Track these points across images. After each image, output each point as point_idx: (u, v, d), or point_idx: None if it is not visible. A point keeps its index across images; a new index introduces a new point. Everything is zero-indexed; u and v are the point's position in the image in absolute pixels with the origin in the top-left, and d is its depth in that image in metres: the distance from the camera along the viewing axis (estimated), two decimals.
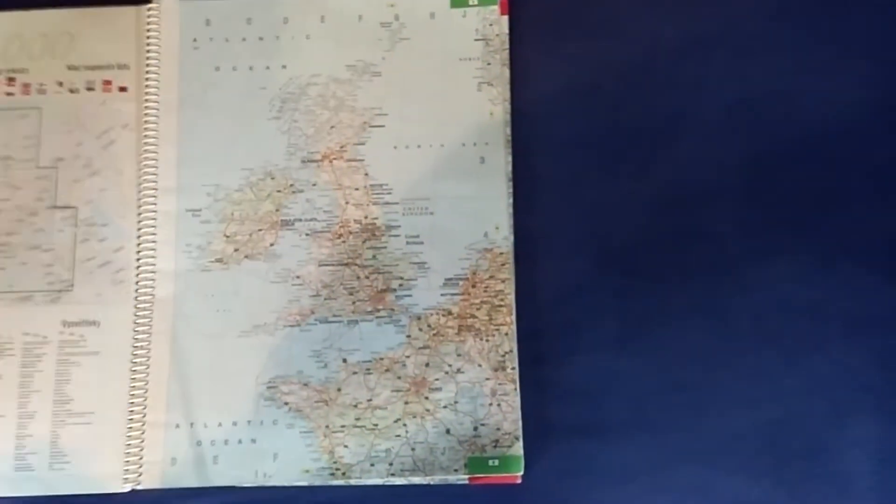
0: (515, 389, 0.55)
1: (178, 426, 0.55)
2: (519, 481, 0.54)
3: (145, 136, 0.58)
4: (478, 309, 0.56)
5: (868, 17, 0.60)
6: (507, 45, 0.60)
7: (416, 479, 0.54)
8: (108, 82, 0.59)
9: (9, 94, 0.59)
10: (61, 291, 0.57)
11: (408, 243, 0.57)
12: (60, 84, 0.59)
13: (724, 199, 0.58)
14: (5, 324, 0.57)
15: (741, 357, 0.56)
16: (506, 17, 0.60)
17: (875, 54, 0.60)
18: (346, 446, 0.54)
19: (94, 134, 0.59)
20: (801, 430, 0.55)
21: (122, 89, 0.59)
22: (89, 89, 0.59)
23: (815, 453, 0.55)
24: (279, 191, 0.58)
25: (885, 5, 0.60)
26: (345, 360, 0.56)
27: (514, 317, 0.56)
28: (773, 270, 0.57)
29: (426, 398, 0.55)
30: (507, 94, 0.59)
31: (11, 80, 0.59)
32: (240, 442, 0.55)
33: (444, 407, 0.55)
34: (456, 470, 0.54)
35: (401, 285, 0.57)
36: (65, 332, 0.56)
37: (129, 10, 0.60)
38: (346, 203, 0.58)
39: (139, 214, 0.57)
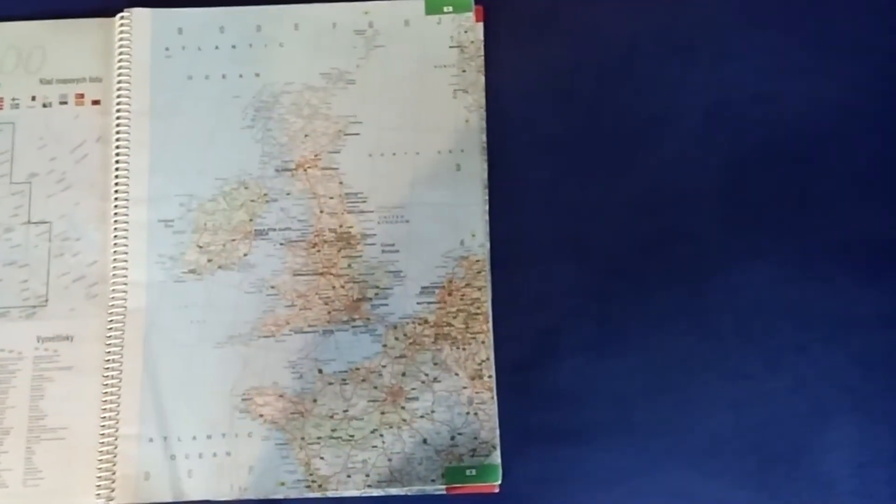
0: (493, 398, 0.54)
1: (151, 440, 0.54)
2: (497, 490, 0.54)
3: (116, 146, 0.58)
4: (454, 317, 0.56)
5: (846, 20, 0.60)
6: (482, 52, 0.60)
7: (394, 490, 0.54)
8: (80, 95, 0.59)
9: None
10: (36, 307, 0.56)
11: (383, 252, 0.57)
12: (33, 98, 0.59)
13: (703, 201, 0.58)
14: None
15: (723, 359, 0.56)
16: (481, 24, 0.60)
17: (854, 56, 0.60)
18: (322, 458, 0.54)
19: (67, 148, 0.58)
20: (784, 432, 0.55)
21: (95, 102, 0.59)
22: (62, 103, 0.59)
23: (798, 455, 0.55)
24: (253, 200, 0.57)
25: (863, 8, 0.60)
26: (320, 371, 0.55)
27: (490, 324, 0.56)
28: (753, 272, 0.57)
29: (403, 408, 0.55)
30: (483, 101, 0.59)
31: None
32: (214, 455, 0.54)
33: (421, 416, 0.54)
34: (433, 480, 0.54)
35: (377, 294, 0.56)
36: (39, 348, 0.56)
37: (100, 21, 0.60)
38: (321, 212, 0.57)
39: (112, 226, 0.57)
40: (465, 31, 0.60)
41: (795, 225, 0.57)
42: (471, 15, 0.60)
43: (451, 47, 0.60)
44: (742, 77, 0.59)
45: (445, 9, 0.60)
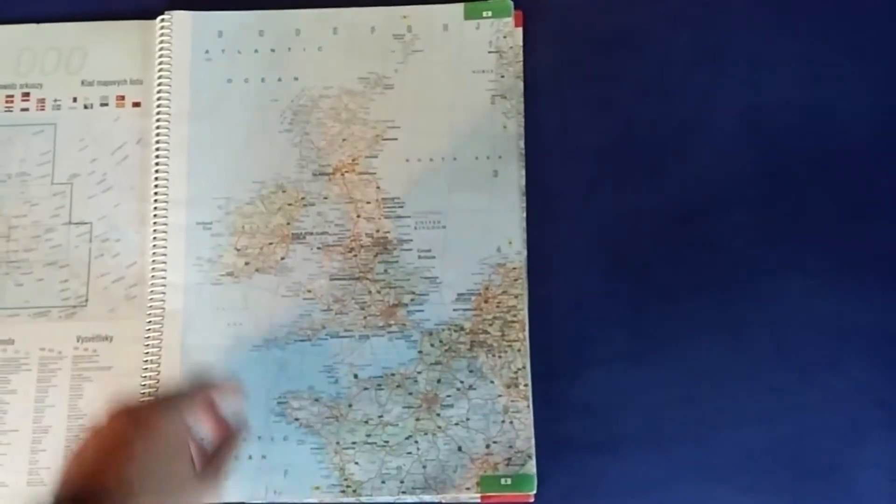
0: (528, 406, 0.55)
1: None
2: (532, 500, 0.54)
3: (156, 148, 0.58)
4: (490, 324, 0.56)
5: (882, 27, 0.60)
6: (520, 58, 0.59)
7: (428, 498, 0.54)
8: (121, 97, 0.59)
9: (24, 109, 0.59)
10: (76, 307, 0.57)
11: (420, 257, 0.57)
12: (75, 100, 0.59)
13: (739, 211, 0.58)
14: (23, 339, 0.57)
15: (756, 372, 0.56)
16: (520, 30, 0.60)
17: (890, 63, 0.59)
18: (356, 463, 0.54)
19: (108, 150, 0.59)
20: (817, 447, 0.55)
21: (136, 104, 0.59)
22: (103, 105, 0.59)
23: (832, 471, 0.54)
24: (290, 204, 0.58)
25: None
26: (356, 376, 0.55)
27: (526, 333, 0.56)
28: (788, 284, 0.56)
29: (438, 415, 0.55)
30: (521, 107, 0.59)
31: (26, 95, 0.59)
32: (250, 458, 0.54)
33: (456, 424, 0.55)
34: (468, 488, 0.54)
35: (412, 300, 0.56)
36: (79, 348, 0.56)
37: (141, 24, 0.60)
38: (358, 216, 0.57)
39: (151, 228, 0.57)
40: (504, 37, 0.60)
41: (831, 235, 0.57)
42: (510, 20, 0.60)
43: (489, 52, 0.59)
44: (777, 85, 0.59)
45: (484, 13, 0.60)
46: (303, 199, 0.58)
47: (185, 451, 0.46)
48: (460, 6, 0.60)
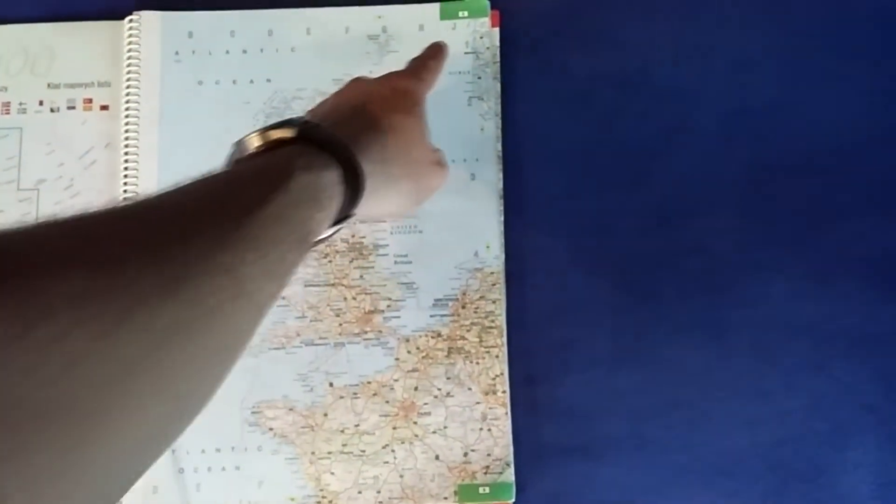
0: (507, 413, 0.54)
1: None
2: None
3: (125, 153, 0.57)
4: (468, 330, 0.55)
5: (867, 29, 0.59)
6: (497, 58, 0.58)
7: None
8: (88, 100, 0.58)
9: None
10: None
11: (396, 263, 0.56)
12: (41, 103, 0.58)
13: (721, 213, 0.57)
14: None
15: (739, 375, 0.55)
16: (497, 30, 0.59)
17: (875, 65, 0.59)
18: (332, 473, 0.53)
19: (75, 154, 0.57)
20: (802, 451, 0.54)
21: (104, 107, 0.58)
22: (70, 108, 0.58)
23: (817, 475, 0.54)
24: None
25: (884, 16, 0.59)
26: (331, 384, 0.54)
27: (504, 338, 0.55)
28: (771, 287, 0.56)
29: (415, 423, 0.54)
30: (498, 109, 0.58)
31: None
32: (223, 469, 0.53)
33: (434, 432, 0.54)
34: (445, 498, 0.53)
35: (389, 306, 0.55)
36: None
37: (110, 24, 0.59)
38: None
39: None
40: (481, 37, 0.59)
41: (814, 239, 0.56)
42: (486, 20, 0.59)
43: (466, 53, 0.58)
44: (760, 87, 0.58)
45: (461, 14, 0.59)
46: None
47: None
48: (436, 6, 0.59)
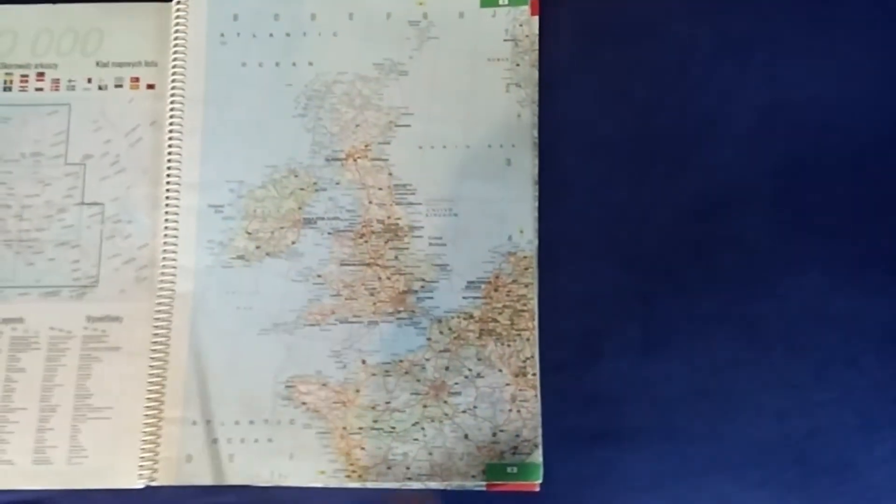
0: (536, 396, 0.54)
1: (194, 423, 0.54)
2: (537, 489, 0.54)
3: (170, 131, 0.58)
4: (500, 313, 0.55)
5: None
6: (536, 47, 0.59)
7: (433, 484, 0.54)
8: (135, 79, 0.59)
9: (38, 89, 0.59)
10: (87, 287, 0.57)
11: (430, 245, 0.57)
12: (89, 81, 0.59)
13: (755, 205, 0.57)
14: (33, 318, 0.57)
15: (770, 367, 0.55)
16: (536, 18, 0.59)
17: None
18: (362, 448, 0.54)
19: (122, 131, 0.59)
20: (830, 443, 0.54)
21: (150, 86, 0.59)
22: (118, 86, 0.59)
23: (845, 468, 0.54)
24: (302, 189, 0.57)
25: None
26: (364, 362, 0.55)
27: (536, 322, 0.55)
28: (804, 279, 0.56)
29: (445, 402, 0.54)
30: (536, 96, 0.58)
31: (41, 75, 0.60)
32: (256, 441, 0.54)
33: (464, 412, 0.54)
34: (473, 476, 0.53)
35: (422, 287, 0.56)
36: (88, 328, 0.56)
37: (157, 6, 0.60)
38: (370, 202, 0.57)
39: (163, 210, 0.57)
40: (520, 25, 0.59)
41: (848, 232, 0.56)
42: (526, 8, 0.59)
43: (505, 41, 0.59)
44: (797, 80, 0.58)
45: (501, 1, 0.60)
46: (315, 184, 0.58)
47: None
48: None
